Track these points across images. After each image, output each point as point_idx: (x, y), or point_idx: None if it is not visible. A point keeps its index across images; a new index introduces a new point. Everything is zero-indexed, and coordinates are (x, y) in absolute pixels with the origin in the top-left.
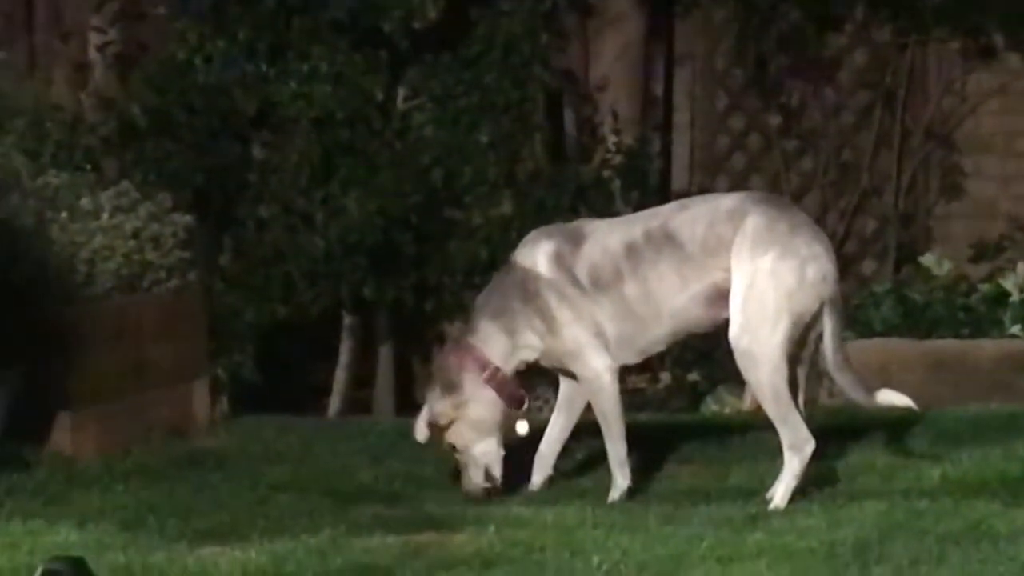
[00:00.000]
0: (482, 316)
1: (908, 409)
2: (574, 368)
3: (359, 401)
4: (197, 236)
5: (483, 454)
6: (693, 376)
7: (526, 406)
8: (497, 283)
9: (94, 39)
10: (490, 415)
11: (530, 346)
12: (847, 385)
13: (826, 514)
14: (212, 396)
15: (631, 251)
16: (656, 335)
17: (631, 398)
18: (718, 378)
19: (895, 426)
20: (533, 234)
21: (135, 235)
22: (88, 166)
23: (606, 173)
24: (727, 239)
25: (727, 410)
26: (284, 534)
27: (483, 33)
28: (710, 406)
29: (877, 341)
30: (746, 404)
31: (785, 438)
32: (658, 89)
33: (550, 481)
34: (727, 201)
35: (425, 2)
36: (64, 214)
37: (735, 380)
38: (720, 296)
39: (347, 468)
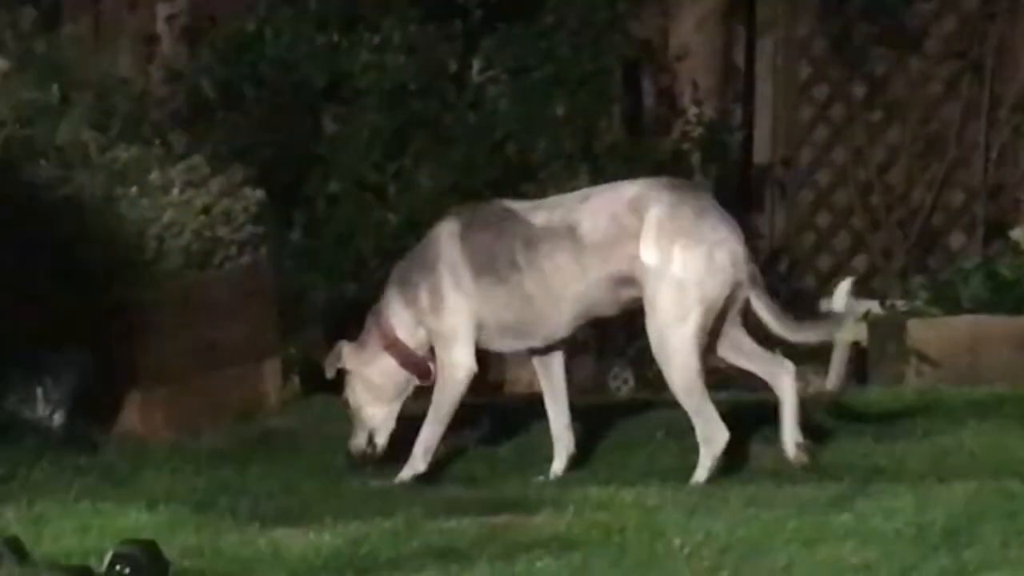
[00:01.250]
0: (391, 285)
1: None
2: (438, 350)
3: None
4: (267, 211)
5: (371, 417)
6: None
7: (433, 378)
8: (413, 253)
9: (161, 10)
10: (386, 382)
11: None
12: (813, 335)
13: (914, 496)
14: (283, 375)
15: (530, 241)
16: (557, 322)
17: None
18: (801, 356)
19: (984, 405)
20: (453, 210)
21: (206, 210)
22: (157, 140)
23: (685, 146)
24: (632, 229)
25: (810, 389)
26: (358, 517)
27: (558, 2)
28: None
29: (965, 318)
30: (830, 383)
31: (698, 429)
32: (739, 59)
33: (571, 460)
34: (629, 190)
35: None
36: (133, 189)
37: (819, 358)
38: (625, 280)
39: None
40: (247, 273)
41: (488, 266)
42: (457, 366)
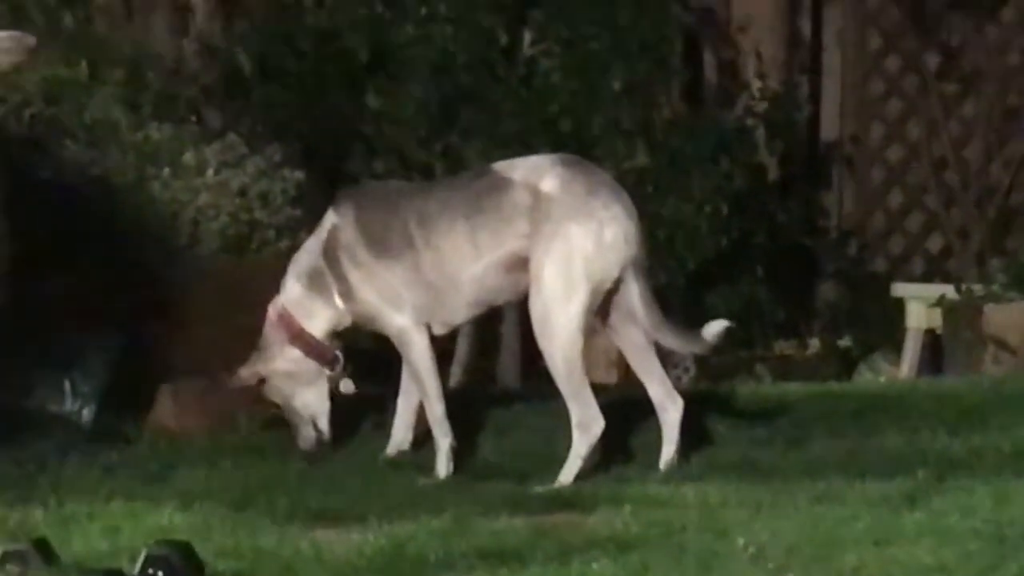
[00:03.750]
0: (291, 275)
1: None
2: (380, 329)
3: (482, 370)
4: (307, 192)
5: (304, 406)
6: (845, 341)
7: (341, 365)
8: (309, 241)
9: None
10: (299, 369)
11: (337, 308)
12: (673, 342)
13: (992, 492)
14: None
15: (424, 218)
16: (455, 305)
17: (778, 365)
18: (872, 343)
19: None
20: (343, 192)
21: (242, 192)
22: (191, 118)
23: (749, 121)
24: (523, 205)
25: (882, 378)
26: (404, 515)
27: None
28: (864, 374)
29: None
30: (903, 371)
31: (574, 415)
32: (806, 29)
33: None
34: (522, 166)
35: None
36: (166, 170)
37: (891, 346)
38: (520, 263)
39: (470, 443)
40: (286, 258)
41: (383, 244)
42: (403, 328)
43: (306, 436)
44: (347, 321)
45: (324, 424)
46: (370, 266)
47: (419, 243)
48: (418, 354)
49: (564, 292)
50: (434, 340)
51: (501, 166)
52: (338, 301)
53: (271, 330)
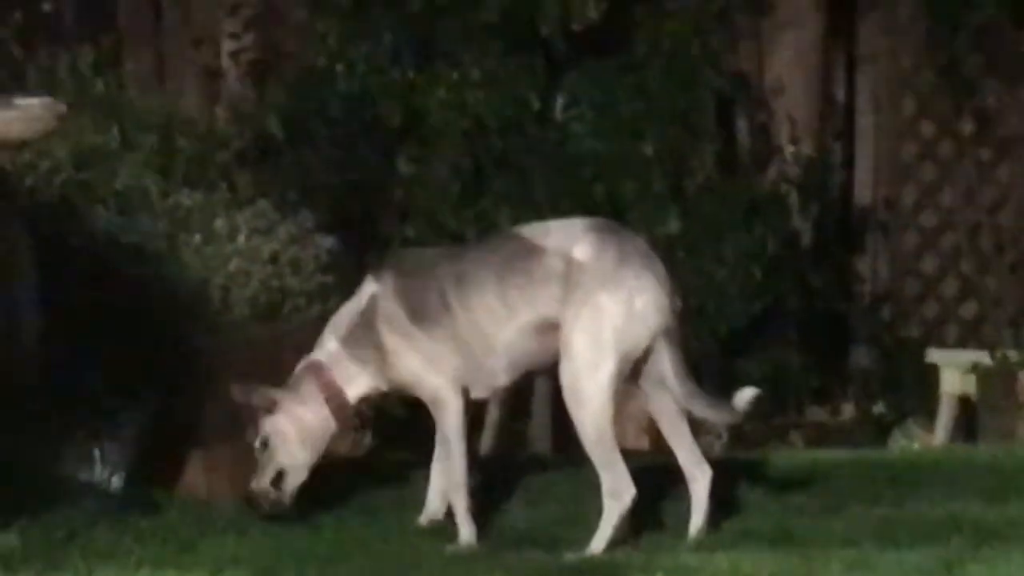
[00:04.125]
0: (330, 335)
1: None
2: (416, 393)
3: (514, 436)
4: (339, 259)
5: (287, 459)
6: (879, 408)
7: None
8: (348, 305)
9: (227, 45)
10: (316, 427)
11: (374, 376)
12: (705, 412)
13: None
14: (356, 432)
15: (459, 282)
16: (494, 368)
17: (811, 432)
18: (906, 410)
19: None
20: (381, 260)
21: (273, 259)
22: (222, 184)
23: (783, 186)
24: (556, 270)
25: (916, 445)
26: None
27: (648, 35)
28: (898, 441)
29: None
30: (938, 438)
31: (605, 483)
32: (839, 93)
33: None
34: (555, 230)
35: (585, 2)
36: (197, 236)
37: (925, 412)
38: (552, 328)
39: (501, 509)
40: (317, 326)
41: (423, 311)
42: (436, 397)
43: (262, 487)
44: (383, 388)
45: (292, 487)
46: (412, 334)
47: (455, 307)
48: (452, 416)
49: (593, 361)
50: (467, 406)
51: (531, 230)
52: (374, 369)
53: (308, 378)
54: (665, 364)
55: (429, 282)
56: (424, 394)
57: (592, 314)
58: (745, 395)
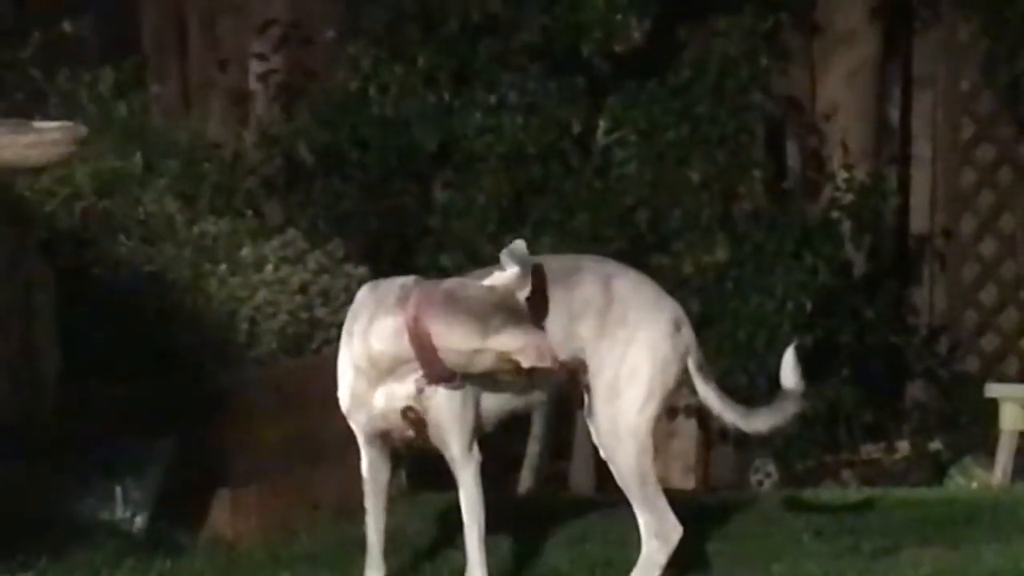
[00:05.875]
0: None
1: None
2: (446, 448)
3: (554, 475)
4: None
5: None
6: (935, 445)
7: None
8: None
9: (255, 67)
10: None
11: None
12: (768, 422)
13: None
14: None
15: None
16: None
17: (865, 470)
18: (964, 447)
19: None
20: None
21: (303, 289)
22: (249, 211)
23: (835, 213)
24: (595, 304)
25: (975, 484)
26: None
27: (694, 56)
28: (955, 479)
29: None
30: (997, 477)
31: (650, 525)
32: (894, 117)
33: None
34: (584, 262)
35: (628, 22)
36: (223, 266)
37: (984, 449)
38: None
39: (541, 551)
40: None
41: None
42: (474, 462)
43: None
44: None
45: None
46: None
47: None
48: (479, 488)
49: (638, 400)
50: (507, 446)
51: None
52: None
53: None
54: (709, 399)
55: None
56: (456, 452)
57: (642, 353)
58: (787, 364)
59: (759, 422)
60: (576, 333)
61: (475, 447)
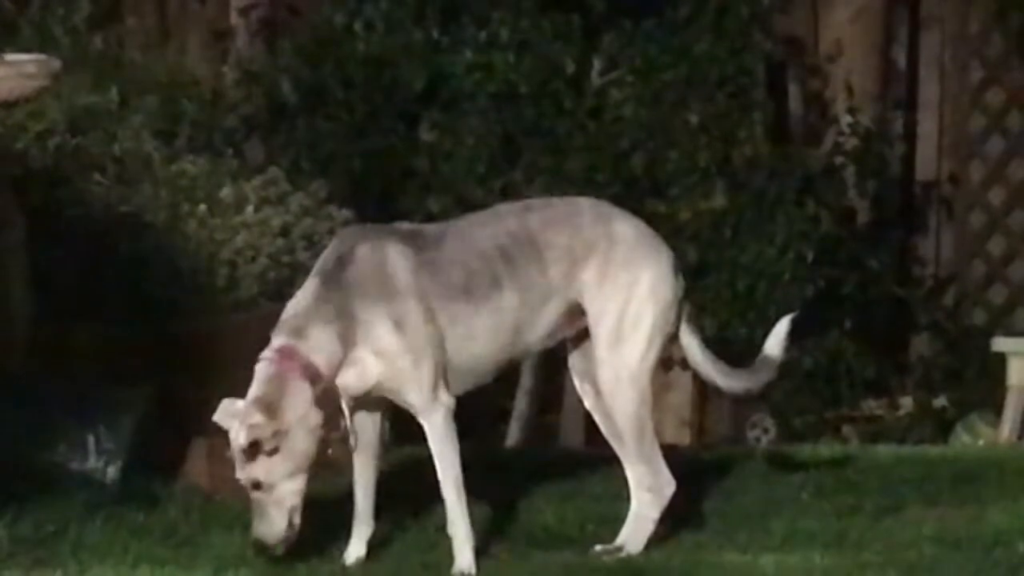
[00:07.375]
0: (317, 321)
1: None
2: (411, 397)
3: (543, 428)
4: None
5: (292, 494)
6: (940, 401)
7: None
8: (344, 280)
9: (236, 1)
10: (311, 446)
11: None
12: (744, 384)
13: None
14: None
15: (506, 255)
16: (517, 351)
17: (867, 426)
18: (970, 403)
19: None
20: (364, 231)
21: (284, 232)
22: (229, 151)
23: (838, 159)
24: (598, 247)
25: (981, 441)
26: None
27: None
28: (960, 436)
29: None
30: (1003, 434)
31: (643, 478)
32: (901, 59)
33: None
34: (583, 204)
35: None
36: (202, 207)
37: (990, 405)
38: (579, 309)
39: (529, 506)
40: None
41: (464, 289)
42: (443, 408)
43: (276, 530)
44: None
45: (298, 518)
46: (441, 317)
47: (505, 282)
48: (452, 437)
49: (640, 348)
50: (494, 398)
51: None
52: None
53: (283, 389)
54: (693, 348)
55: (465, 255)
56: (423, 401)
57: (646, 299)
58: (778, 332)
59: (736, 382)
60: (577, 277)
61: (442, 392)
